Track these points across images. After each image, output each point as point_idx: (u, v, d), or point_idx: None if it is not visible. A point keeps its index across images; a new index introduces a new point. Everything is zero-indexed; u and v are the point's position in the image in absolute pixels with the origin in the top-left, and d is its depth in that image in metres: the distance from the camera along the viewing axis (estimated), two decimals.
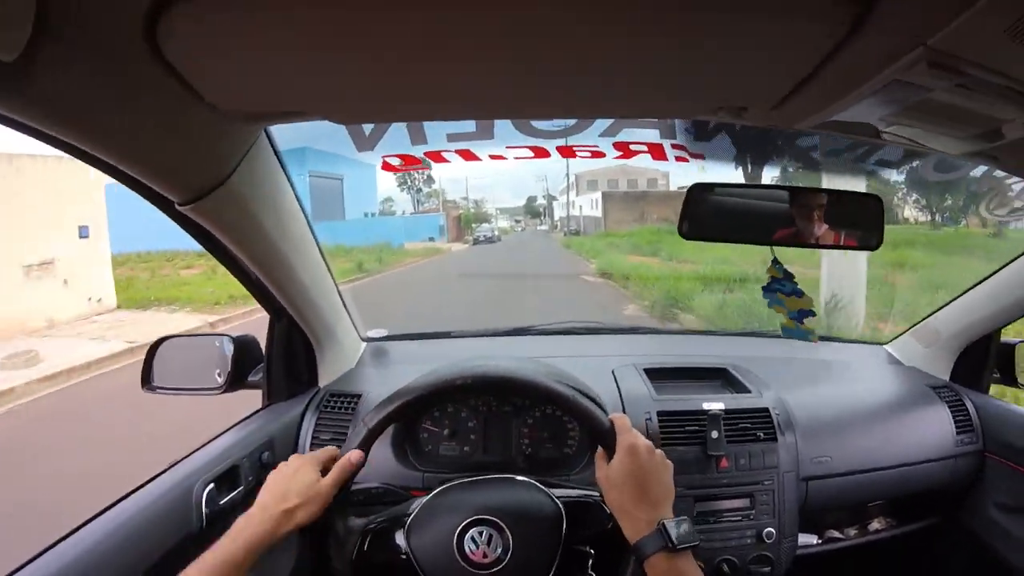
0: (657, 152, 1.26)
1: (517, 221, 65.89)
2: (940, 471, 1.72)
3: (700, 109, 0.99)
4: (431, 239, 38.52)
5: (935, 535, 1.84)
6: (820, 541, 1.71)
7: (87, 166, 0.93)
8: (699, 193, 1.26)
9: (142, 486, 1.24)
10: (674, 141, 1.25)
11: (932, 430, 1.74)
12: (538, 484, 1.22)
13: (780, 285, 1.37)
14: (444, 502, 1.21)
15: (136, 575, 1.09)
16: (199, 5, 0.64)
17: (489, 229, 43.46)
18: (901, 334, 2.10)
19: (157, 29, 0.68)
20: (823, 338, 2.21)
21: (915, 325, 2.04)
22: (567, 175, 45.72)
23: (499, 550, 1.12)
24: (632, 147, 1.25)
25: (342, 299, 1.80)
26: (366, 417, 1.20)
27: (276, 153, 1.23)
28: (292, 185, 1.34)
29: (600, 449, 1.15)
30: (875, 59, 0.74)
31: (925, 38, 0.67)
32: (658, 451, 1.11)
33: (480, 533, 1.13)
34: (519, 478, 1.25)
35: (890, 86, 0.79)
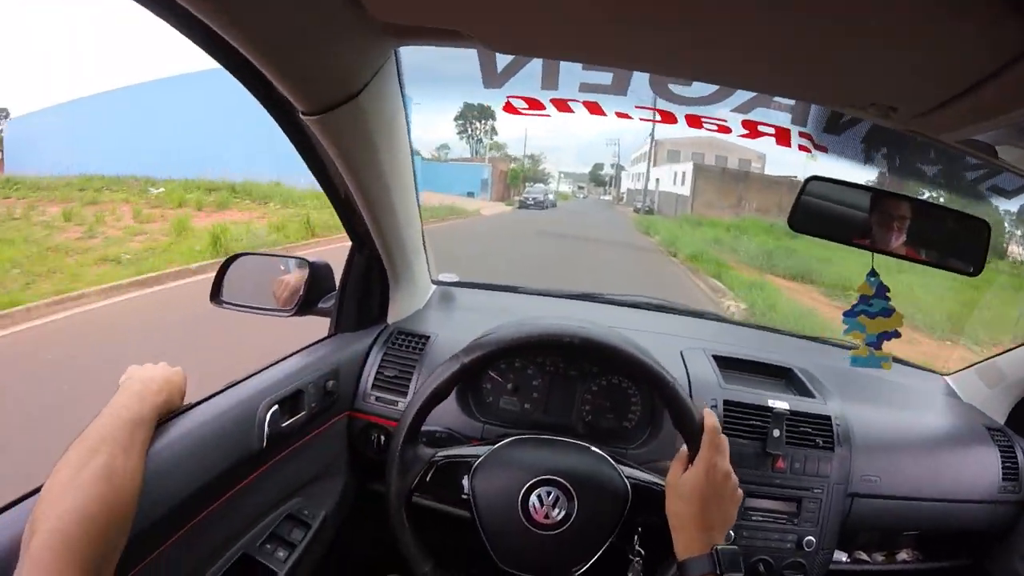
0: (783, 138, 1.22)
1: (580, 187, 63.00)
2: (979, 514, 1.68)
3: (852, 101, 0.95)
4: (470, 194, 35.12)
5: None
6: (848, 560, 1.69)
7: None
8: (816, 186, 1.25)
9: (202, 402, 1.24)
10: (803, 129, 1.21)
11: (980, 471, 1.69)
12: (610, 459, 1.22)
13: (868, 305, 1.35)
14: (515, 455, 1.21)
15: (191, 491, 1.09)
16: None
17: (542, 191, 38.77)
18: (964, 368, 2.05)
19: None
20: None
21: (981, 362, 1.98)
22: (650, 139, 40.60)
23: (562, 514, 1.12)
24: (760, 128, 1.21)
25: (424, 241, 1.80)
26: (461, 353, 1.19)
27: (400, 79, 1.21)
28: (407, 116, 1.32)
29: (681, 452, 1.14)
30: None
31: None
32: (734, 478, 1.11)
33: (548, 493, 1.14)
34: (593, 448, 1.24)
35: None
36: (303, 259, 1.67)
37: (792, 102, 1.16)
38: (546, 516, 1.12)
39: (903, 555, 1.75)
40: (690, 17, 0.75)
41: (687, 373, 1.67)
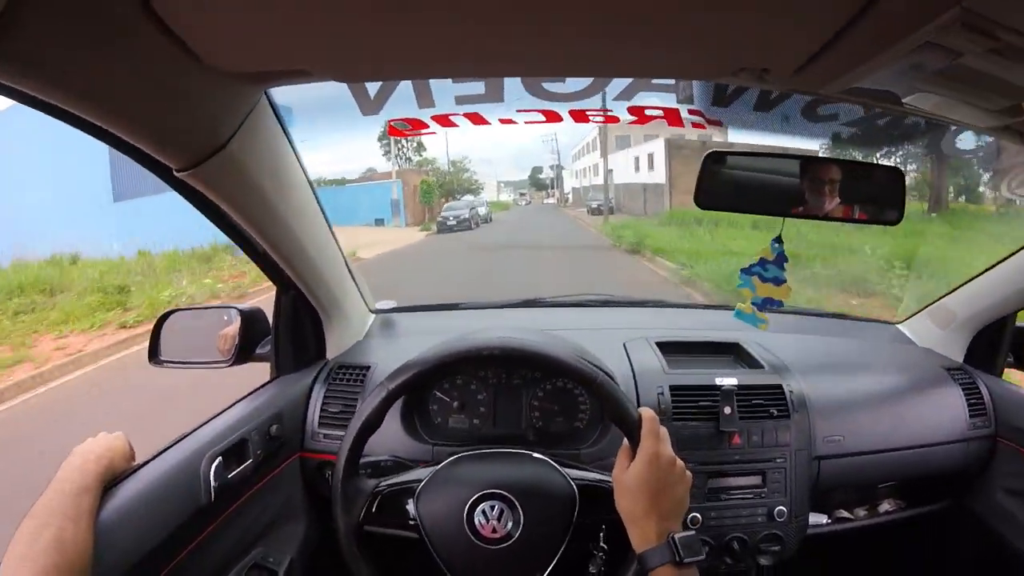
0: (673, 118, 1.21)
1: (522, 194, 59.41)
2: (952, 454, 1.68)
3: (720, 71, 0.95)
4: (379, 221, 28.31)
5: (943, 519, 1.81)
6: (830, 521, 1.68)
7: None
8: (715, 162, 1.24)
9: (149, 461, 1.23)
10: (691, 107, 1.20)
11: (945, 413, 1.70)
12: (553, 463, 1.21)
13: (763, 269, 1.35)
14: (456, 473, 1.20)
15: (145, 551, 1.08)
16: None
17: (466, 206, 27.97)
18: (915, 314, 2.05)
19: None
20: (837, 315, 2.18)
21: (930, 305, 1.99)
22: (599, 133, 34.72)
23: (509, 525, 1.11)
24: (647, 112, 1.20)
25: (350, 270, 1.77)
26: (388, 379, 1.18)
27: (278, 118, 1.19)
28: (296, 152, 1.30)
29: (624, 446, 1.12)
30: (907, 19, 0.69)
31: None
32: (679, 463, 1.09)
33: (492, 507, 1.12)
34: (535, 455, 1.23)
35: (920, 49, 0.75)
36: (233, 306, 1.65)
37: (672, 80, 1.16)
38: (493, 530, 1.10)
39: (885, 506, 1.75)
40: (532, 11, 0.74)
41: (631, 364, 1.66)
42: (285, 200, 1.28)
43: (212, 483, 1.26)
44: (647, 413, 1.11)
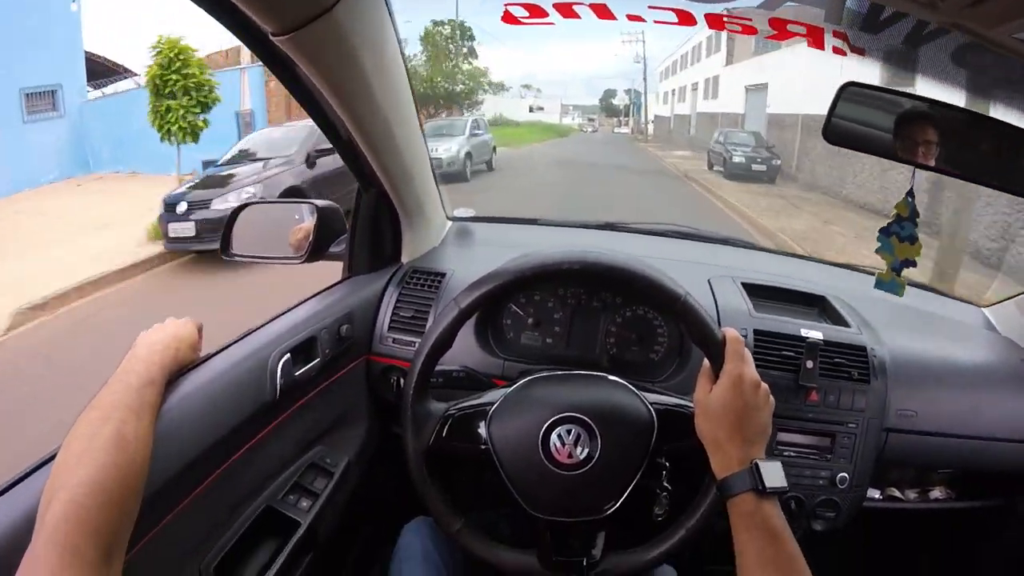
0: (816, 38, 1.12)
1: (591, 119, 51.21)
2: (1016, 454, 1.60)
3: None
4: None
5: (992, 516, 1.75)
6: (881, 496, 1.62)
7: None
8: (852, 94, 1.15)
9: (216, 354, 1.23)
10: (837, 28, 1.11)
11: (1018, 409, 1.61)
12: (630, 386, 1.16)
13: (900, 227, 1.26)
14: (531, 394, 1.16)
15: (206, 445, 1.08)
16: None
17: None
18: (1003, 300, 1.94)
19: None
20: (922, 286, 2.09)
21: (1020, 294, 1.88)
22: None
23: (585, 451, 1.07)
24: (790, 27, 1.12)
25: (434, 172, 1.75)
26: (461, 296, 1.14)
27: None
28: (396, 30, 1.24)
29: (705, 367, 1.08)
30: None
31: None
32: (764, 385, 1.05)
33: (568, 431, 1.08)
34: (611, 377, 1.18)
35: None
36: (311, 203, 1.63)
37: None
38: (569, 455, 1.07)
39: (936, 493, 1.68)
40: None
41: (715, 301, 1.61)
42: (382, 81, 1.24)
43: (279, 380, 1.26)
44: (731, 333, 1.07)
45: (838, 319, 1.63)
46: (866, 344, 1.52)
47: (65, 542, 0.70)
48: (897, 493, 1.63)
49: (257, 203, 1.69)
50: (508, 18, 1.13)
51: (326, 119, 1.30)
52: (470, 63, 34.28)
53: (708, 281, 1.70)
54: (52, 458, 0.85)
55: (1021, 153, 1.14)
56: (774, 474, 0.97)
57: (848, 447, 1.47)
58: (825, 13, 1.09)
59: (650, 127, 43.15)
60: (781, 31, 1.11)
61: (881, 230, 1.28)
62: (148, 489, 0.87)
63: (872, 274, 1.62)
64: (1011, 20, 0.82)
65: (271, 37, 0.98)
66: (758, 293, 1.70)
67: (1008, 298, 1.90)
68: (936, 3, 0.83)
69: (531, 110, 45.29)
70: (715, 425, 1.02)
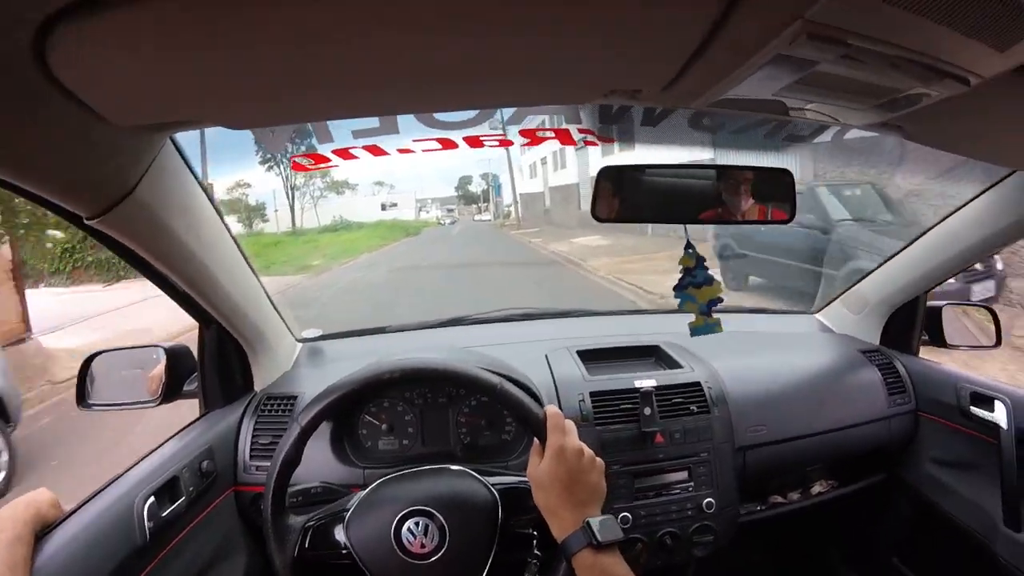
0: (565, 137, 1.27)
1: (449, 210, 48.17)
2: (876, 432, 1.79)
3: (592, 94, 1.00)
4: None
5: (877, 492, 1.91)
6: (764, 507, 1.76)
7: None
8: (606, 176, 1.28)
9: (81, 505, 1.23)
10: (580, 125, 1.26)
11: (865, 393, 1.81)
12: (471, 472, 1.26)
13: (692, 277, 1.40)
14: (380, 495, 1.24)
15: None
16: (84, 21, 0.63)
17: None
18: (830, 302, 2.16)
19: (46, 53, 0.68)
20: (756, 310, 2.26)
21: (844, 292, 2.10)
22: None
23: (436, 539, 1.15)
24: (539, 134, 1.27)
25: (271, 301, 1.80)
26: (299, 416, 1.21)
27: (183, 158, 1.22)
28: (204, 189, 1.33)
29: (535, 444, 1.18)
30: (755, 35, 0.74)
31: (802, 11, 0.67)
32: (587, 451, 1.16)
33: (416, 524, 1.16)
34: (453, 467, 1.29)
35: (775, 60, 0.79)
36: (159, 345, 1.65)
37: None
38: (421, 546, 1.15)
39: (817, 488, 1.83)
40: (402, 57, 0.78)
41: (552, 374, 1.71)
42: (197, 237, 1.31)
43: (147, 523, 1.27)
44: (550, 410, 1.18)
45: (671, 363, 1.77)
46: (699, 379, 1.66)
47: None
48: (780, 499, 1.77)
49: (107, 352, 1.68)
50: (297, 167, 1.25)
51: (157, 275, 1.36)
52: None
53: (545, 356, 1.81)
54: None
55: (777, 185, 1.32)
56: (606, 528, 1.07)
57: (706, 474, 1.58)
58: (565, 117, 1.24)
59: (510, 209, 38.32)
60: (533, 138, 1.27)
61: (675, 288, 1.42)
62: None
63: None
64: (700, 95, 0.97)
65: (84, 221, 1.06)
66: (594, 357, 1.83)
67: (833, 299, 2.11)
68: (636, 95, 0.98)
69: (383, 207, 43.21)
70: (547, 494, 1.12)
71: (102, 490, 1.30)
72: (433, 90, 0.96)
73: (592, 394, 1.63)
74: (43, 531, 1.11)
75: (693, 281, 1.40)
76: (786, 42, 0.73)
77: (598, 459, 1.17)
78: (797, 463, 1.77)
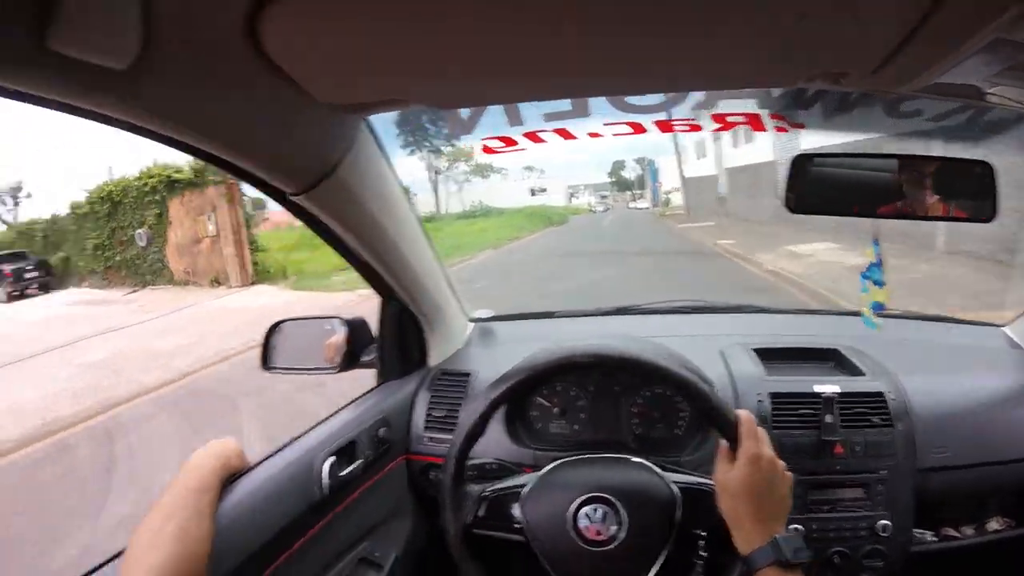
0: (756, 123, 1.24)
1: (603, 197, 45.89)
2: None
3: (796, 77, 0.97)
4: None
5: None
6: (935, 538, 1.60)
7: None
8: (803, 164, 1.24)
9: (264, 460, 1.34)
10: (773, 111, 1.23)
11: None
12: (652, 466, 1.25)
13: (872, 272, 1.35)
14: (559, 477, 1.25)
15: (262, 542, 1.19)
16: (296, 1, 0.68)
17: None
18: (1022, 315, 1.96)
19: (258, 28, 0.73)
20: (937, 318, 2.11)
21: None
22: None
23: (613, 528, 1.16)
24: (730, 119, 1.24)
25: (448, 281, 1.85)
26: (487, 391, 1.25)
27: (378, 142, 1.29)
28: (394, 172, 1.40)
29: (723, 447, 1.16)
30: (973, 17, 0.72)
31: None
32: (780, 463, 1.12)
33: (595, 510, 1.17)
34: (634, 459, 1.28)
35: (993, 45, 0.76)
36: (340, 318, 1.73)
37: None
38: (597, 533, 1.15)
39: (993, 524, 1.64)
40: (614, 34, 0.79)
41: (729, 372, 1.66)
42: (388, 217, 1.39)
43: (326, 480, 1.36)
44: (744, 415, 1.14)
45: (853, 369, 1.66)
46: (882, 390, 1.55)
47: None
48: (953, 532, 1.61)
49: (290, 320, 1.79)
50: (487, 150, 1.27)
51: (347, 250, 1.45)
52: (452, 144, 34.16)
53: (720, 352, 1.75)
54: (121, 553, 0.98)
55: (974, 180, 1.23)
56: (795, 547, 1.03)
57: (883, 493, 1.48)
58: (757, 102, 1.20)
59: (681, 195, 32.32)
60: (724, 123, 1.24)
61: (862, 275, 1.37)
62: None
63: (890, 316, 1.68)
64: (908, 80, 0.94)
65: (289, 197, 1.15)
66: (771, 356, 1.74)
67: None
68: (840, 80, 0.95)
69: (532, 193, 41.75)
70: (735, 504, 1.09)
71: (284, 447, 1.41)
72: (634, 73, 0.96)
73: (772, 395, 1.56)
74: (231, 479, 1.21)
75: (872, 276, 1.34)
76: (1006, 25, 0.70)
77: (788, 472, 1.13)
78: (976, 493, 1.60)
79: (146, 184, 19.90)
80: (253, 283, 18.43)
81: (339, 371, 1.69)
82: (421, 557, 1.68)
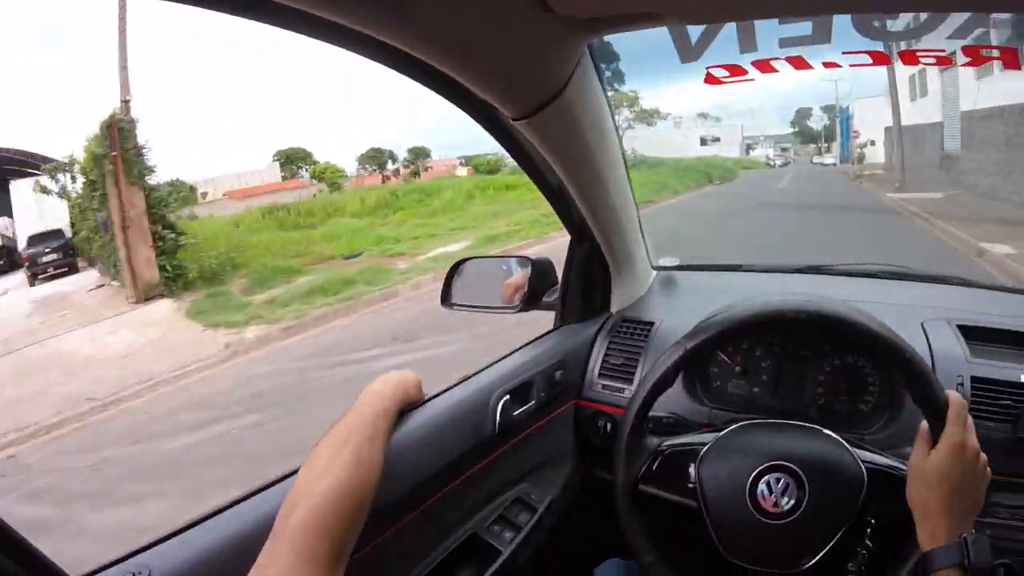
0: (1011, 59, 1.14)
1: (784, 149, 42.35)
2: None
3: None
4: None
5: None
6: None
7: None
8: None
9: (441, 393, 1.38)
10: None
11: None
12: (842, 440, 1.16)
13: None
14: (742, 440, 1.20)
15: (429, 472, 1.23)
16: None
17: None
18: None
19: None
20: None
21: None
22: None
23: (792, 502, 1.09)
24: (983, 52, 1.14)
25: (640, 226, 1.82)
26: (684, 339, 1.20)
27: (598, 71, 1.25)
28: (610, 105, 1.36)
29: (923, 429, 1.06)
30: None
31: None
32: (983, 457, 1.04)
33: (777, 480, 1.11)
34: (825, 431, 1.19)
35: None
36: (525, 257, 1.75)
37: (1008, 16, 1.07)
38: (775, 504, 1.09)
39: None
40: None
41: (929, 347, 1.50)
42: (602, 151, 1.36)
43: (498, 418, 1.39)
44: (956, 397, 1.04)
45: None
46: None
47: (304, 542, 0.85)
48: None
49: (472, 259, 1.83)
50: (710, 79, 1.22)
51: (543, 178, 1.44)
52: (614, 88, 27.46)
53: (922, 325, 1.60)
54: (294, 473, 1.01)
55: None
56: (981, 550, 0.96)
57: None
58: (1008, 35, 1.09)
59: (895, 152, 22.04)
60: (975, 57, 1.14)
61: None
62: (376, 505, 1.00)
63: None
64: None
65: (511, 121, 1.13)
66: (977, 336, 1.57)
67: None
68: None
69: (703, 142, 39.11)
70: (928, 493, 1.01)
71: (460, 382, 1.44)
72: None
73: (974, 379, 1.40)
74: (408, 408, 1.24)
75: None
76: None
77: (989, 470, 1.04)
78: None
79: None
80: (150, 299, 13.17)
81: (519, 311, 1.71)
82: (573, 504, 1.67)
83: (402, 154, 39.97)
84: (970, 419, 1.05)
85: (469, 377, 1.48)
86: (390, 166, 39.48)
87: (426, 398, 1.32)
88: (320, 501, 0.91)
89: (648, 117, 34.06)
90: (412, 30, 0.82)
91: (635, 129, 33.37)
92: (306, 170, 36.21)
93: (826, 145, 39.56)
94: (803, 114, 46.15)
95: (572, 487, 1.67)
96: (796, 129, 47.14)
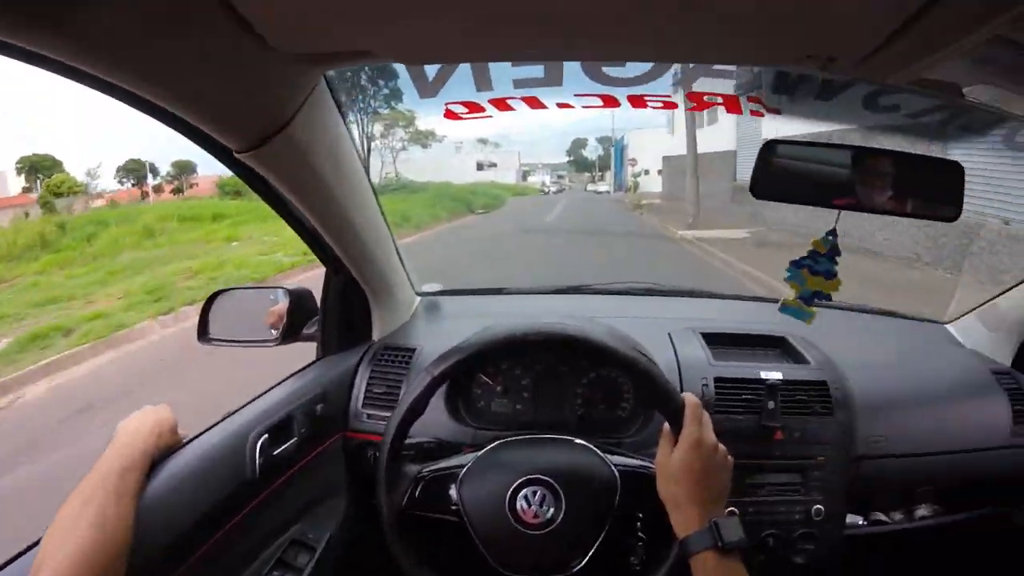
0: (732, 105, 1.22)
1: (560, 176, 43.78)
2: (994, 461, 1.66)
3: (786, 57, 0.96)
4: None
5: (983, 527, 1.78)
6: (865, 523, 1.67)
7: None
8: (771, 150, 1.22)
9: (196, 437, 1.30)
10: (751, 94, 1.20)
11: (990, 417, 1.68)
12: (594, 448, 1.24)
13: (814, 262, 1.33)
14: (499, 458, 1.23)
15: (188, 524, 1.14)
16: None
17: None
18: (965, 314, 2.02)
19: None
20: (885, 312, 2.15)
21: (981, 305, 1.96)
22: None
23: (551, 511, 1.14)
24: (706, 98, 1.21)
25: (398, 253, 1.81)
26: (432, 365, 1.21)
27: (336, 101, 1.22)
28: (351, 135, 1.34)
29: (665, 430, 1.15)
30: (977, 11, 0.70)
31: None
32: (722, 448, 1.13)
33: (533, 493, 1.15)
34: (577, 440, 1.26)
35: (993, 42, 0.75)
36: (282, 287, 1.69)
37: (735, 67, 1.16)
38: (535, 515, 1.14)
39: (922, 511, 1.72)
40: None
41: (675, 354, 1.67)
42: (340, 182, 1.32)
43: (258, 459, 1.32)
44: (690, 398, 1.14)
45: (798, 357, 1.69)
46: (826, 379, 1.58)
47: None
48: (883, 517, 1.68)
49: (230, 290, 1.73)
50: (449, 115, 1.22)
51: (293, 216, 1.39)
52: (391, 106, 29.78)
53: (669, 335, 1.76)
54: (37, 543, 0.93)
55: (943, 180, 1.22)
56: (733, 530, 1.03)
57: (819, 479, 1.52)
58: (735, 85, 1.18)
59: (645, 181, 26.98)
60: (699, 103, 1.21)
61: (792, 262, 1.35)
62: (134, 563, 0.94)
63: (839, 307, 1.67)
64: (902, 69, 0.92)
65: (235, 154, 1.07)
66: (719, 341, 1.76)
67: (970, 311, 1.96)
68: (827, 64, 0.93)
69: (480, 167, 39.56)
70: (675, 487, 1.09)
71: (217, 424, 1.36)
72: (620, 35, 0.91)
73: (716, 380, 1.58)
74: (161, 456, 1.17)
75: (812, 266, 1.32)
76: (1009, 23, 0.69)
77: (729, 457, 1.14)
78: (908, 481, 1.66)
79: None
80: None
81: (278, 344, 1.65)
82: (355, 538, 1.65)
83: (165, 168, 36.24)
84: (706, 416, 1.15)
85: (228, 416, 1.40)
86: (150, 180, 35.45)
87: (184, 441, 1.25)
88: (65, 565, 0.85)
89: (423, 139, 33.71)
90: (113, 55, 0.75)
91: (409, 151, 33.23)
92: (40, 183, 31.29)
93: (600, 174, 42.03)
94: (579, 144, 49.45)
95: (350, 521, 1.63)
96: (572, 158, 49.96)
